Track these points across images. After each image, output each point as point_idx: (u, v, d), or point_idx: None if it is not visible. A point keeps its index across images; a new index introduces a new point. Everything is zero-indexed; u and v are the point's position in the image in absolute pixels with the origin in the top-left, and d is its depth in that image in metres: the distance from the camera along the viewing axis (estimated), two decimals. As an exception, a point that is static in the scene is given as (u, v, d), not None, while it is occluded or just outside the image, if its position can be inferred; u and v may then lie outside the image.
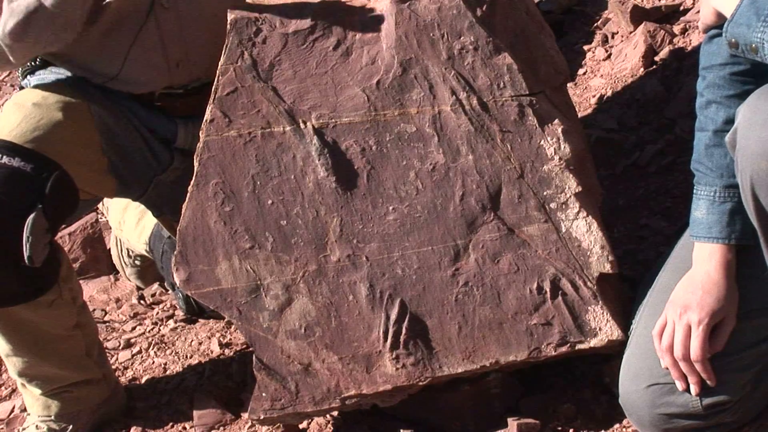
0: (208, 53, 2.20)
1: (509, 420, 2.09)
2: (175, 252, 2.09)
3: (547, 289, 2.03)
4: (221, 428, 2.38)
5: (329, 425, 2.26)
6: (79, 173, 2.26)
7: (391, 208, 2.06)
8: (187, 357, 2.67)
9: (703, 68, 1.94)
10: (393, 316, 2.05)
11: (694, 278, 1.91)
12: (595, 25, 3.22)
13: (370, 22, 2.07)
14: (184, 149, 2.40)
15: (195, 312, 2.82)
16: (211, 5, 2.28)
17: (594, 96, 3.00)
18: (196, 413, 2.41)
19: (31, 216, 2.15)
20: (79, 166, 2.26)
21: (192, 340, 2.72)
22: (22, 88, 2.43)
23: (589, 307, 2.03)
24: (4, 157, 2.17)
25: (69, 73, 2.37)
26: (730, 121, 1.80)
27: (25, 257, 2.15)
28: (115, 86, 2.35)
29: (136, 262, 3.04)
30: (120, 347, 2.77)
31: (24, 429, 2.47)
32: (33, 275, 2.21)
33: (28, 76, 2.42)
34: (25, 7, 2.12)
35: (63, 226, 2.99)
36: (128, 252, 3.04)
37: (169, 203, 2.41)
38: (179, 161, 2.40)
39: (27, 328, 2.32)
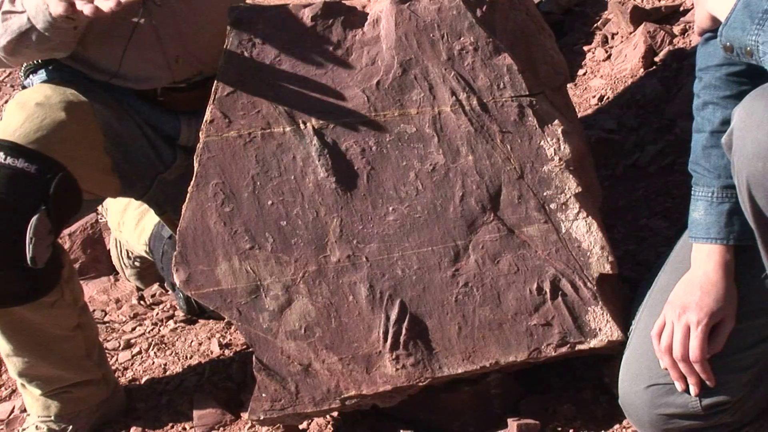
0: (208, 47, 2.21)
1: (509, 420, 2.09)
2: (175, 252, 2.10)
3: (547, 290, 2.03)
4: (221, 429, 2.38)
5: (329, 426, 2.26)
6: (83, 173, 2.26)
7: (390, 208, 2.06)
8: (187, 357, 2.67)
9: (700, 69, 1.94)
10: (393, 316, 2.05)
11: (692, 279, 1.91)
12: (595, 25, 3.22)
13: (370, 22, 2.07)
14: (187, 147, 2.40)
15: (196, 312, 2.82)
16: (205, 2, 2.29)
17: (594, 96, 3.00)
18: (196, 414, 2.41)
19: (35, 217, 2.15)
20: (83, 166, 2.26)
21: (192, 341, 2.73)
22: (24, 87, 2.43)
23: (589, 308, 2.03)
24: (8, 157, 2.17)
25: (71, 71, 2.37)
26: (727, 122, 1.80)
27: (28, 258, 2.15)
28: (118, 83, 2.35)
29: (136, 263, 3.04)
30: (120, 348, 2.78)
31: (24, 429, 2.47)
32: (35, 276, 2.21)
33: (31, 75, 2.42)
34: (17, 27, 2.15)
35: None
36: (128, 253, 3.04)
37: (171, 201, 2.41)
38: (182, 159, 2.40)
39: (28, 329, 2.32)
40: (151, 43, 2.31)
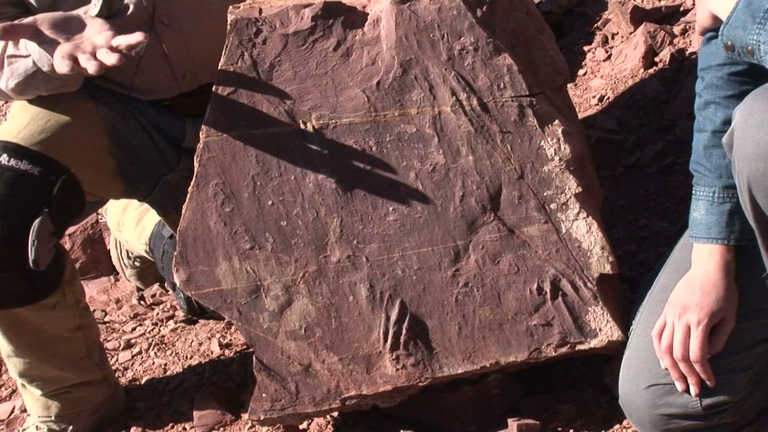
0: (214, 60, 2.20)
1: (509, 420, 2.09)
2: (175, 253, 2.10)
3: (547, 290, 2.03)
4: (221, 429, 2.38)
5: (329, 426, 2.26)
6: (87, 175, 2.26)
7: (391, 208, 2.06)
8: (187, 358, 2.67)
9: (702, 69, 1.94)
10: (393, 316, 2.06)
11: (693, 279, 1.91)
12: (596, 25, 3.22)
13: (371, 22, 2.07)
14: (191, 149, 2.40)
15: (196, 312, 2.82)
16: (211, 18, 2.28)
17: (594, 97, 3.00)
18: (196, 414, 2.41)
19: (37, 220, 2.14)
20: (87, 168, 2.26)
21: (192, 341, 2.73)
22: None
23: (590, 308, 2.03)
24: (12, 159, 2.16)
25: None
26: (728, 122, 1.80)
27: (30, 261, 2.15)
28: (132, 95, 2.36)
29: (136, 263, 3.04)
30: (120, 348, 2.78)
31: (24, 429, 2.47)
32: (37, 278, 2.21)
33: None
34: (24, 70, 2.14)
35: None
36: (128, 253, 3.04)
37: (175, 203, 2.41)
38: (186, 161, 2.40)
39: (30, 330, 2.32)
40: (158, 60, 2.31)
